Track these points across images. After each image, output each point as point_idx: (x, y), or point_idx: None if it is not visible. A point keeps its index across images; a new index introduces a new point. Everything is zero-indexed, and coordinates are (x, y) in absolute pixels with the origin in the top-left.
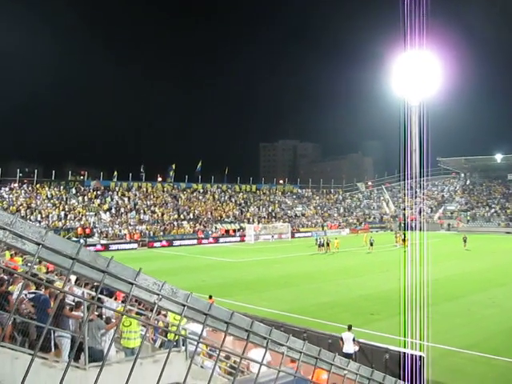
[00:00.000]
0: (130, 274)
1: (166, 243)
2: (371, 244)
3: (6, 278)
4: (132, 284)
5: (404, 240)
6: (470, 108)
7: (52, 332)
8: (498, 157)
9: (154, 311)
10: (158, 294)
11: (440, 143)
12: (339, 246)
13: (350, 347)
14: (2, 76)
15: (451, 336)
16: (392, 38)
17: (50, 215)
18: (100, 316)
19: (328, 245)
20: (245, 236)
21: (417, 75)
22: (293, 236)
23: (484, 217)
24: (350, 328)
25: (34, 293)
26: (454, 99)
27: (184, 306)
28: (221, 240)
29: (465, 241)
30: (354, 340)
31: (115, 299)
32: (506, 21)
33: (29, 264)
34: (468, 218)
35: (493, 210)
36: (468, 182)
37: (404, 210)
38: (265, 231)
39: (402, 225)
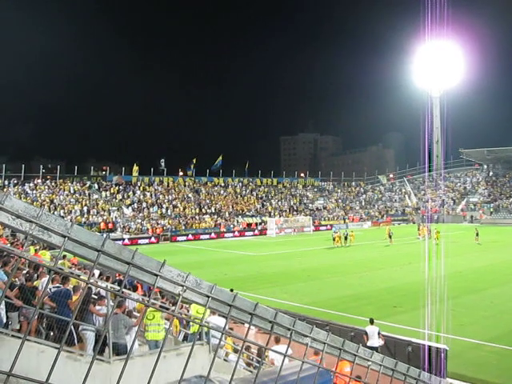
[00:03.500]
0: (155, 265)
1: (188, 237)
2: (390, 237)
3: (31, 272)
4: (157, 275)
5: (437, 233)
6: (492, 98)
7: (75, 326)
8: None
9: (178, 303)
10: (182, 286)
11: (462, 134)
12: (354, 240)
13: (375, 341)
14: (25, 74)
15: (475, 329)
16: (413, 28)
17: (73, 210)
18: (123, 311)
19: (346, 238)
20: (266, 230)
21: (438, 66)
22: (316, 229)
23: (507, 208)
24: (372, 322)
25: (58, 287)
26: (477, 90)
27: (208, 297)
28: (242, 234)
29: (477, 234)
30: (379, 333)
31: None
32: None
33: (55, 260)
34: (491, 209)
35: None
36: (491, 173)
37: (427, 202)
38: (286, 224)
39: (425, 217)
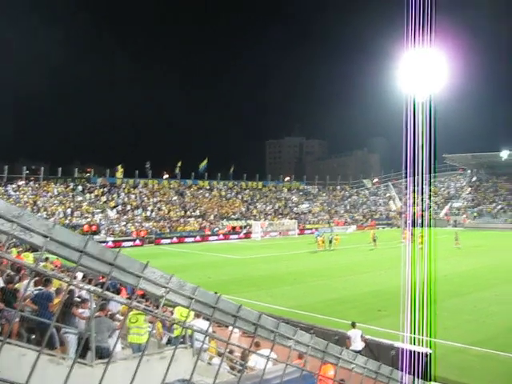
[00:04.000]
0: (138, 267)
1: (173, 240)
2: (374, 240)
3: (13, 274)
4: (140, 277)
5: (421, 237)
6: (476, 104)
7: (57, 329)
8: (505, 153)
9: (161, 304)
10: (165, 287)
11: (446, 140)
12: (338, 244)
13: (358, 344)
14: (8, 75)
15: (459, 332)
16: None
17: (56, 212)
18: (106, 314)
19: (330, 242)
20: (251, 233)
21: (423, 71)
22: (300, 233)
23: (491, 213)
24: (354, 325)
25: (40, 289)
26: (461, 96)
27: (191, 299)
28: (227, 237)
29: (456, 238)
30: (361, 336)
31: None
32: None
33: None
34: (475, 214)
35: (499, 207)
36: (474, 178)
37: (411, 206)
38: (271, 228)
39: (409, 221)
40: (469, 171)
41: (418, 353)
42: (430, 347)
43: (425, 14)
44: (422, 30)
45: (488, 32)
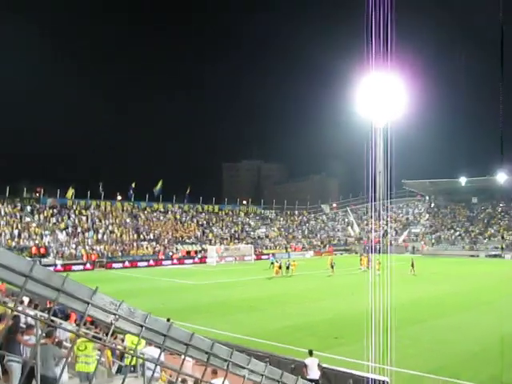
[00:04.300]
0: (86, 292)
1: (125, 264)
2: (332, 267)
3: None
4: (88, 303)
5: (379, 263)
6: (435, 131)
7: (1, 357)
8: (463, 180)
9: (110, 332)
10: (114, 314)
11: (405, 166)
12: (296, 270)
13: (315, 373)
14: None
15: (416, 361)
16: (357, 58)
17: (3, 234)
18: (52, 341)
19: (288, 268)
20: (206, 258)
21: (382, 97)
22: (257, 258)
23: (448, 240)
24: (311, 353)
25: None
26: (420, 121)
27: (142, 326)
28: (181, 261)
29: (412, 265)
30: (318, 365)
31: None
32: (471, 43)
33: None
34: (433, 240)
35: (457, 233)
36: (433, 204)
37: (369, 232)
38: (227, 253)
39: (367, 247)
40: (427, 197)
41: (376, 381)
42: (389, 376)
43: (383, 38)
44: (382, 56)
45: (447, 58)
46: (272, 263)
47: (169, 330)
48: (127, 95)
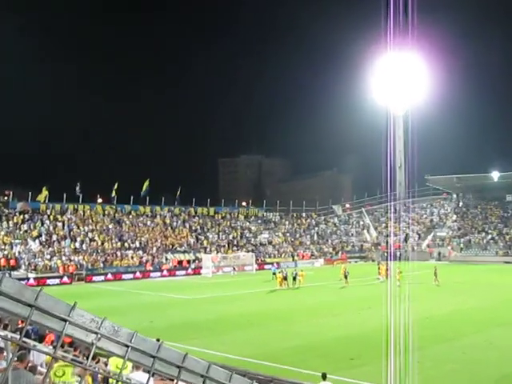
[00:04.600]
0: (63, 308)
1: (107, 277)
2: (345, 277)
3: None
4: (65, 321)
5: (400, 273)
6: (462, 119)
7: None
8: (495, 175)
9: (91, 354)
10: (96, 333)
11: (428, 159)
12: (304, 281)
13: None
14: None
15: (443, 383)
16: (373, 38)
17: None
18: (25, 366)
19: (294, 279)
20: (201, 268)
21: (401, 81)
22: (259, 268)
23: (480, 244)
24: (324, 377)
25: None
26: (445, 109)
27: (128, 346)
28: (172, 273)
29: (435, 274)
30: None
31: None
32: (508, 18)
33: None
34: (461, 245)
35: (489, 237)
36: (461, 203)
37: (388, 236)
38: (225, 262)
39: (386, 254)
40: (454, 196)
41: None
42: None
43: (403, 12)
44: (401, 34)
45: (478, 36)
46: (274, 274)
47: (158, 350)
48: (108, 87)
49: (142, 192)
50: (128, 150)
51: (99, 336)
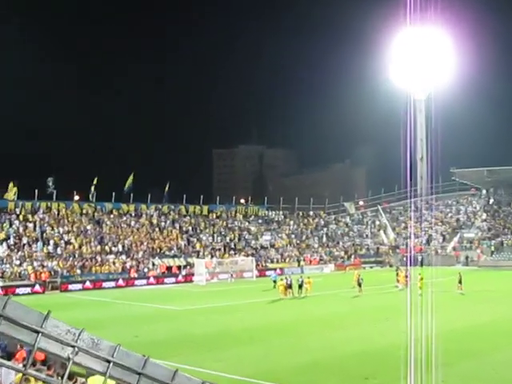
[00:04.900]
0: (35, 318)
1: (85, 285)
2: (359, 285)
3: None
4: (38, 332)
5: (421, 279)
6: (494, 104)
7: None
8: None
9: (67, 371)
10: (73, 346)
11: (455, 150)
12: (311, 289)
13: None
14: None
15: None
16: (390, 10)
17: None
18: None
19: (300, 287)
20: (193, 275)
21: (423, 60)
22: (260, 274)
23: None
24: None
25: None
26: (474, 92)
27: (109, 362)
28: (160, 281)
29: (460, 281)
30: None
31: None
32: None
33: None
34: (492, 248)
35: None
36: (491, 200)
37: (408, 238)
38: (220, 268)
39: (405, 258)
40: (484, 191)
41: None
42: None
43: None
44: (423, 7)
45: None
46: (275, 281)
47: (144, 366)
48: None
49: (125, 188)
50: (109, 140)
51: (76, 350)
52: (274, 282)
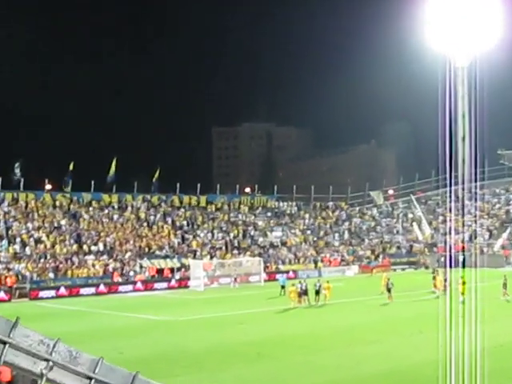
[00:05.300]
0: (1, 327)
1: (60, 292)
2: (389, 290)
3: None
4: (5, 343)
5: (463, 284)
6: None
7: None
8: None
9: None
10: (47, 360)
11: (503, 128)
12: (330, 296)
13: None
14: None
15: None
16: None
17: None
18: None
19: (318, 293)
20: (189, 279)
21: (466, 20)
22: (269, 278)
23: None
24: None
25: None
26: None
27: (90, 379)
28: (149, 286)
29: (504, 285)
30: None
31: None
32: None
33: None
34: None
35: None
36: None
37: (447, 234)
38: (222, 271)
39: (443, 258)
40: None
41: None
42: None
43: None
44: None
45: None
46: (283, 287)
47: (133, 383)
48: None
49: (108, 176)
50: (88, 118)
51: (51, 364)
52: (283, 287)
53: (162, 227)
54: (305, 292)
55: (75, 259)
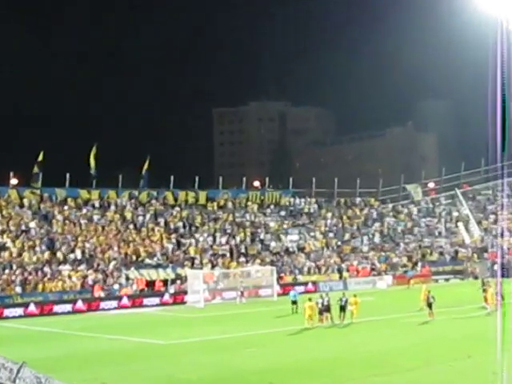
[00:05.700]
0: None
1: (28, 310)
2: (429, 305)
3: None
4: None
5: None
6: None
7: None
8: None
9: None
10: None
11: None
12: (357, 312)
13: None
14: None
15: None
16: None
17: None
18: None
19: (343, 309)
20: (186, 293)
21: None
22: (284, 291)
23: None
24: None
25: None
26: None
27: None
28: (138, 302)
29: None
30: None
31: None
32: None
33: None
34: None
35: None
36: None
37: (500, 237)
38: (226, 283)
39: (496, 266)
40: None
41: None
42: None
43: None
44: None
45: None
46: (295, 303)
47: None
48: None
49: (91, 169)
50: (62, 99)
51: None
52: (294, 302)
53: (153, 230)
54: (327, 308)
55: (47, 270)
